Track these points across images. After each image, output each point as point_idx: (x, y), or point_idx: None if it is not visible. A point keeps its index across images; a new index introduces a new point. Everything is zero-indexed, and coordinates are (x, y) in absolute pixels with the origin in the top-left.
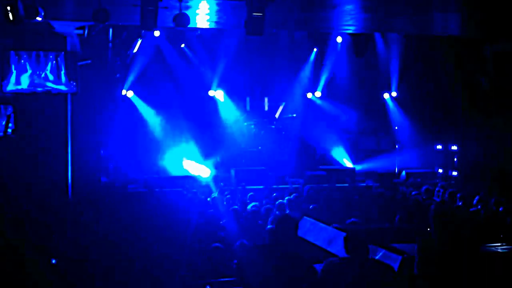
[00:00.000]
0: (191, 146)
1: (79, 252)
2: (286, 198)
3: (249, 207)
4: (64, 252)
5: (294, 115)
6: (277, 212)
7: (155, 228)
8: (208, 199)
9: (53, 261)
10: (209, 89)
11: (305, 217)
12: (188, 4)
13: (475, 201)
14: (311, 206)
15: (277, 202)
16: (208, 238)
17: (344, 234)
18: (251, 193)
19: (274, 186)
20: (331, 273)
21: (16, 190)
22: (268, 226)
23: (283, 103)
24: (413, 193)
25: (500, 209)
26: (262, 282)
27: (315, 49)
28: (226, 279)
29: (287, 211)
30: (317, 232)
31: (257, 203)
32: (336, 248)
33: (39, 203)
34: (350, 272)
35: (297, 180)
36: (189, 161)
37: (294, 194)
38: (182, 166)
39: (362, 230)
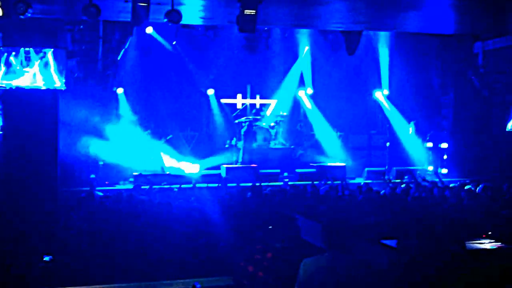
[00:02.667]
0: (180, 143)
1: (68, 248)
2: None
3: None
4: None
5: (285, 113)
6: None
7: (143, 226)
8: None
9: (46, 258)
10: (201, 86)
11: (297, 215)
12: (181, 0)
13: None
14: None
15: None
16: (195, 234)
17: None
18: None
19: (265, 183)
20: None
21: (6, 185)
22: None
23: (275, 101)
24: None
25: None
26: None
27: (307, 47)
28: (214, 278)
29: None
30: (308, 228)
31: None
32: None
33: (28, 198)
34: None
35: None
36: (177, 160)
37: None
38: (172, 163)
39: (341, 222)
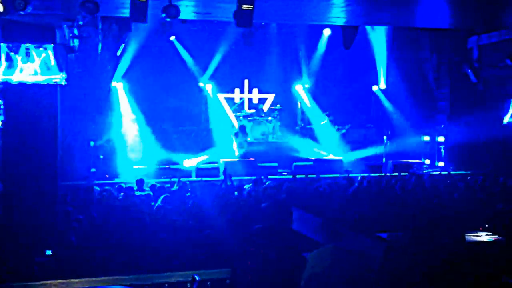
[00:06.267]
0: (179, 138)
1: (68, 241)
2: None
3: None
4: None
5: (280, 106)
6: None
7: (142, 218)
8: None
9: (47, 252)
10: (199, 81)
11: (294, 208)
12: None
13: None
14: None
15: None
16: (195, 227)
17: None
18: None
19: (262, 177)
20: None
21: (6, 179)
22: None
23: (273, 95)
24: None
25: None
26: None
27: (303, 43)
28: (213, 270)
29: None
30: (305, 222)
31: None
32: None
33: (29, 192)
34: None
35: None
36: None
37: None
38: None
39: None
